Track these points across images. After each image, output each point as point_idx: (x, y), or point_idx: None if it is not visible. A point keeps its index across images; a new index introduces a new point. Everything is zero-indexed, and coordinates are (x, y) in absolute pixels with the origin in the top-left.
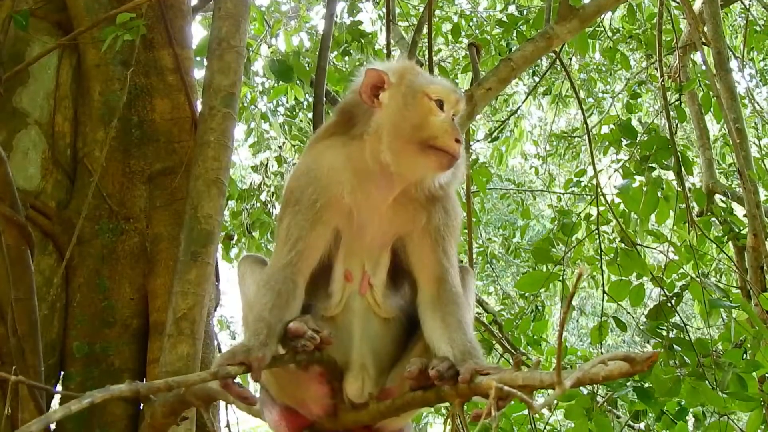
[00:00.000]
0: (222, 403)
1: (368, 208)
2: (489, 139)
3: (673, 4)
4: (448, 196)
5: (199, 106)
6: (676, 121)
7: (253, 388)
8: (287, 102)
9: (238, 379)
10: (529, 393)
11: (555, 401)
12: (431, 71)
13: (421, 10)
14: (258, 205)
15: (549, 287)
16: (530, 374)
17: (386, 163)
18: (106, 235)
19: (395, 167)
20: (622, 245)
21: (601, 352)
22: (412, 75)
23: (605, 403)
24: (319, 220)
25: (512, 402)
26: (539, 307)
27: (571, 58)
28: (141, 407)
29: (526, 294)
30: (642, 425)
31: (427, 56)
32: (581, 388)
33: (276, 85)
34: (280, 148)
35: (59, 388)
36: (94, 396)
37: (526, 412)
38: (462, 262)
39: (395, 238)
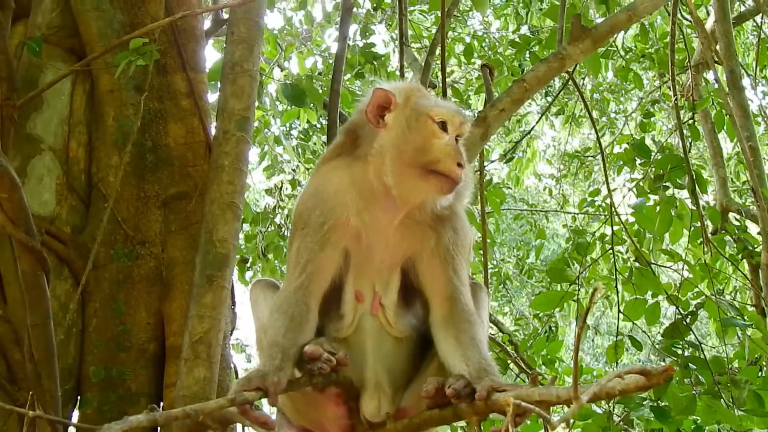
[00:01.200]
0: (239, 426)
1: (375, 230)
2: (503, 161)
3: (686, 23)
4: (457, 215)
5: (213, 130)
6: (690, 139)
7: (269, 411)
8: (300, 125)
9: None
10: (545, 409)
11: (572, 417)
12: (444, 92)
13: (434, 31)
14: (272, 228)
15: (563, 307)
16: (547, 390)
17: (389, 185)
18: (121, 259)
19: (396, 190)
20: (637, 264)
21: None
22: (418, 96)
23: (621, 423)
24: (328, 242)
25: (528, 422)
26: (553, 328)
27: (584, 78)
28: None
29: (541, 314)
30: None
31: (439, 77)
32: (596, 407)
33: (289, 108)
34: (293, 171)
35: (76, 412)
36: (112, 428)
37: (541, 431)
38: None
39: (405, 259)
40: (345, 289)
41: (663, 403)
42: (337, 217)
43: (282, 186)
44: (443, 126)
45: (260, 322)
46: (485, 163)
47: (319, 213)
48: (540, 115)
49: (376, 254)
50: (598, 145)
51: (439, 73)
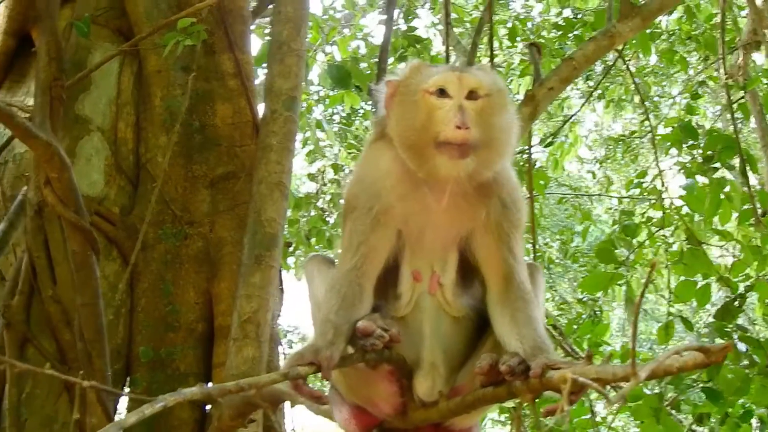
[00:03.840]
0: (288, 405)
1: (423, 211)
2: (544, 144)
3: (734, 2)
4: (502, 185)
5: (260, 110)
6: (740, 120)
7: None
8: (345, 110)
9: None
10: (601, 387)
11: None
12: None
13: (475, 15)
14: (315, 212)
15: (607, 292)
16: (603, 367)
17: (413, 169)
18: (169, 240)
19: (420, 173)
20: (687, 245)
21: None
22: (413, 76)
23: (668, 406)
24: (378, 223)
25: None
26: (598, 312)
27: (627, 62)
28: (207, 410)
29: (584, 299)
30: (706, 429)
31: (483, 60)
32: (646, 389)
33: (331, 93)
34: (335, 156)
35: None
36: (167, 400)
37: (589, 416)
38: None
39: (459, 237)
40: (401, 270)
41: (715, 386)
42: (384, 200)
43: (324, 171)
44: (442, 93)
45: (315, 298)
46: (529, 147)
47: (366, 198)
48: (585, 100)
49: (428, 234)
50: (644, 127)
51: (483, 55)
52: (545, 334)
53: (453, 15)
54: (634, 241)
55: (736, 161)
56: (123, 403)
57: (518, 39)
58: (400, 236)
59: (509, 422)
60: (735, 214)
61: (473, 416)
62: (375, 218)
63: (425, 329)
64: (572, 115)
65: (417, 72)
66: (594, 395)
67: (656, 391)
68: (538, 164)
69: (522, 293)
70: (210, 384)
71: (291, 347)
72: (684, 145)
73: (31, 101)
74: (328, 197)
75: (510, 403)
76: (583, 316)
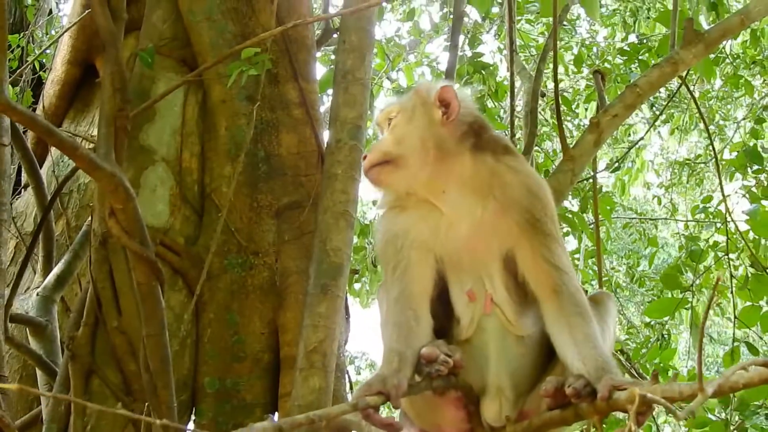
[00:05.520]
0: None
1: (455, 228)
2: (611, 170)
3: None
4: (525, 195)
5: (325, 140)
6: None
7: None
8: None
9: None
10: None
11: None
12: (557, 99)
13: (541, 41)
14: None
15: (674, 316)
16: (669, 386)
17: None
18: (235, 270)
19: None
20: (752, 270)
21: None
22: None
23: (735, 431)
24: (411, 248)
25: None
26: (665, 336)
27: (693, 86)
28: None
29: (652, 323)
30: None
31: (547, 86)
32: (711, 415)
33: None
34: None
35: (191, 424)
36: None
37: None
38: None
39: (503, 253)
40: (452, 290)
41: None
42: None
43: None
44: (381, 130)
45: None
46: (595, 172)
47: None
48: (649, 126)
49: (464, 252)
50: (709, 151)
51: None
52: (607, 353)
53: (518, 41)
54: (701, 266)
55: None
56: None
57: (584, 65)
58: (439, 259)
59: None
60: None
61: None
62: (411, 243)
63: (490, 351)
64: (637, 141)
65: None
66: (661, 419)
67: (722, 417)
68: (603, 189)
69: (576, 308)
70: (276, 414)
71: (359, 374)
72: (749, 170)
73: (95, 131)
74: None
75: (575, 426)
76: (651, 340)
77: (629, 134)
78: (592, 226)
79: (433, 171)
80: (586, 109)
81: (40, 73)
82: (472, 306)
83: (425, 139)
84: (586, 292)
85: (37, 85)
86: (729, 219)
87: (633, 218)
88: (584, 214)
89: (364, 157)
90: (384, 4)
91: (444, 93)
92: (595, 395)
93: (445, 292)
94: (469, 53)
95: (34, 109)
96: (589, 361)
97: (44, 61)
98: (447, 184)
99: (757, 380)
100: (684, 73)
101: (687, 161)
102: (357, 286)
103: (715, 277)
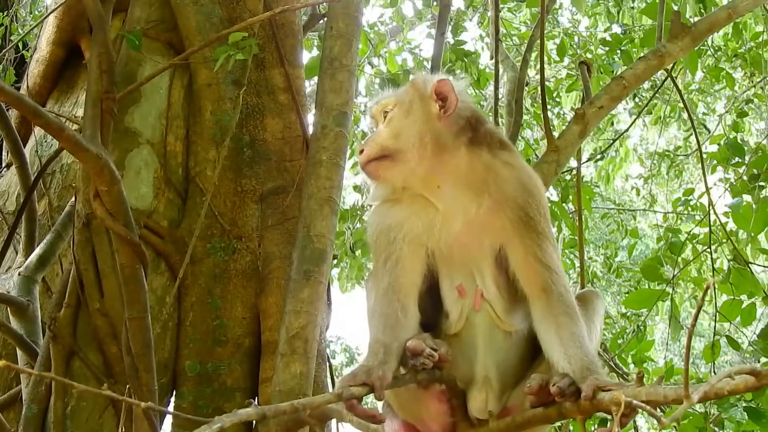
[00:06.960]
0: (334, 422)
1: (446, 224)
2: (594, 160)
3: None
4: (517, 191)
5: (310, 126)
6: None
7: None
8: None
9: None
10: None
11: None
12: (543, 90)
13: (524, 30)
14: (360, 224)
15: (653, 307)
16: (654, 389)
17: None
18: (218, 254)
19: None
20: (734, 264)
21: (713, 372)
22: None
23: (711, 424)
24: (403, 241)
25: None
26: (641, 327)
27: (675, 80)
28: (254, 426)
29: (628, 313)
30: None
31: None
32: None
33: None
34: None
35: (171, 406)
36: (223, 421)
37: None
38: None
39: (493, 249)
40: (442, 285)
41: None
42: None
43: None
44: (376, 123)
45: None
46: (579, 162)
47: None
48: (635, 117)
49: (456, 248)
50: (691, 143)
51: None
52: (594, 353)
53: (502, 29)
54: (679, 258)
55: None
56: (169, 418)
57: (566, 55)
58: (431, 252)
59: None
60: None
61: None
62: (403, 237)
63: (478, 345)
64: (623, 132)
65: None
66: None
67: (701, 410)
68: (584, 179)
69: (564, 307)
70: (256, 399)
71: (334, 357)
72: (731, 163)
73: (79, 112)
74: None
75: (557, 423)
76: (628, 331)
77: (612, 124)
78: (572, 215)
79: (430, 166)
80: (568, 99)
81: (23, 52)
82: (461, 301)
83: (423, 133)
84: (574, 289)
85: (20, 64)
86: (712, 211)
87: (612, 209)
88: (564, 204)
89: (361, 151)
90: None
91: (441, 87)
92: (579, 395)
93: (434, 287)
94: (451, 41)
95: (18, 89)
96: (574, 361)
97: (27, 40)
98: (442, 179)
99: (742, 388)
100: (670, 66)
101: (667, 153)
102: (335, 271)
103: (695, 273)
